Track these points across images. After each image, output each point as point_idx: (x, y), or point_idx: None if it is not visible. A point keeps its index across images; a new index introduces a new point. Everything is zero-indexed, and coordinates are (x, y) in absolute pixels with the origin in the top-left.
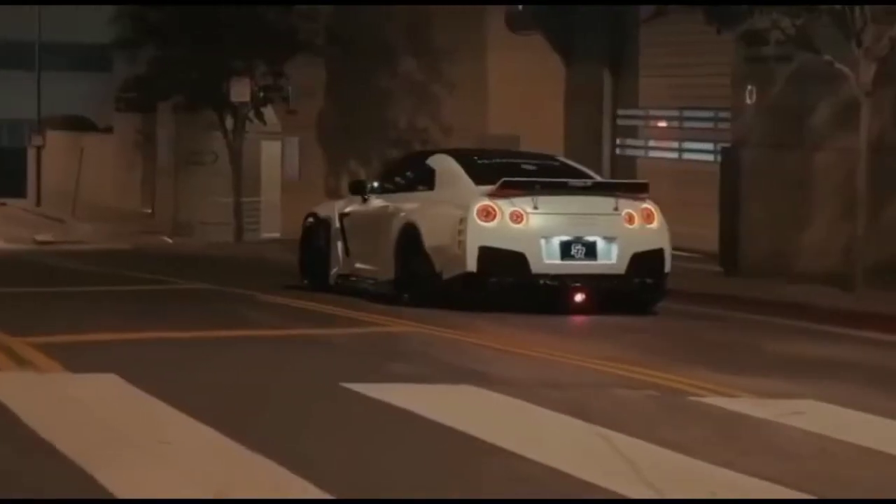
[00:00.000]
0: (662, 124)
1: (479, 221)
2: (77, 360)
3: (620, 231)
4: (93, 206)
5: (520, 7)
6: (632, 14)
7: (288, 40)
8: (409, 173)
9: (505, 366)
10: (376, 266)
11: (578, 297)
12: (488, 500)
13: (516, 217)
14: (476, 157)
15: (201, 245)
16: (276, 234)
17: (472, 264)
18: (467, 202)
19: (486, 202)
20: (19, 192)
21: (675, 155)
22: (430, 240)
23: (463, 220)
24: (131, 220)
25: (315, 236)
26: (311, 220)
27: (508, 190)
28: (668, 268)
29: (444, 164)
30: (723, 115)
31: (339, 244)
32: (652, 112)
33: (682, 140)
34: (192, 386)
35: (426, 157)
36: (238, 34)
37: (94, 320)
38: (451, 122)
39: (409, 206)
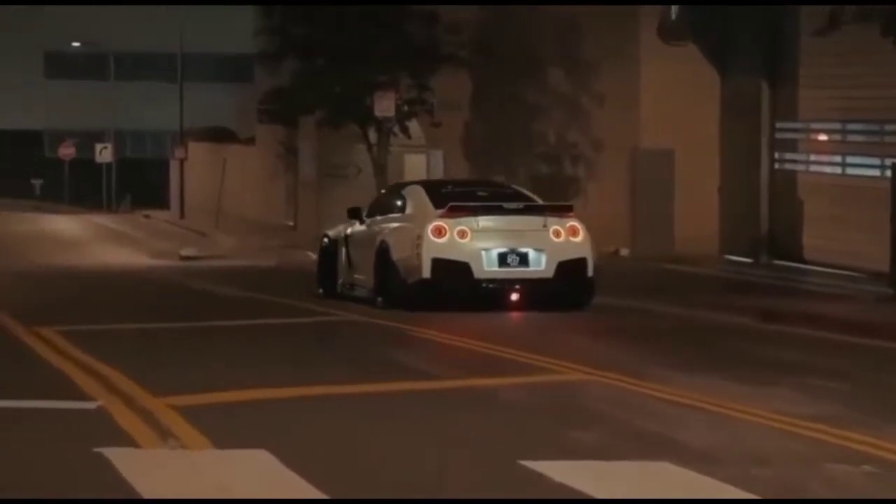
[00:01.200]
0: (824, 138)
1: (432, 238)
2: (223, 428)
3: (548, 243)
4: (236, 218)
5: (673, 16)
6: (791, 23)
7: (433, 53)
8: (390, 201)
9: (695, 430)
10: (365, 276)
11: (514, 297)
12: (488, 499)
13: (462, 234)
14: (441, 187)
15: None
16: None
17: (427, 272)
18: (424, 222)
19: (438, 222)
20: (164, 204)
21: (837, 170)
22: (396, 253)
23: (420, 237)
24: (274, 233)
25: (327, 253)
26: (325, 240)
27: (456, 212)
28: (590, 273)
29: (413, 193)
30: (889, 127)
31: (343, 259)
32: (813, 125)
33: (845, 154)
34: (351, 465)
35: (403, 188)
36: (383, 47)
37: (241, 369)
38: (600, 135)
39: (386, 226)
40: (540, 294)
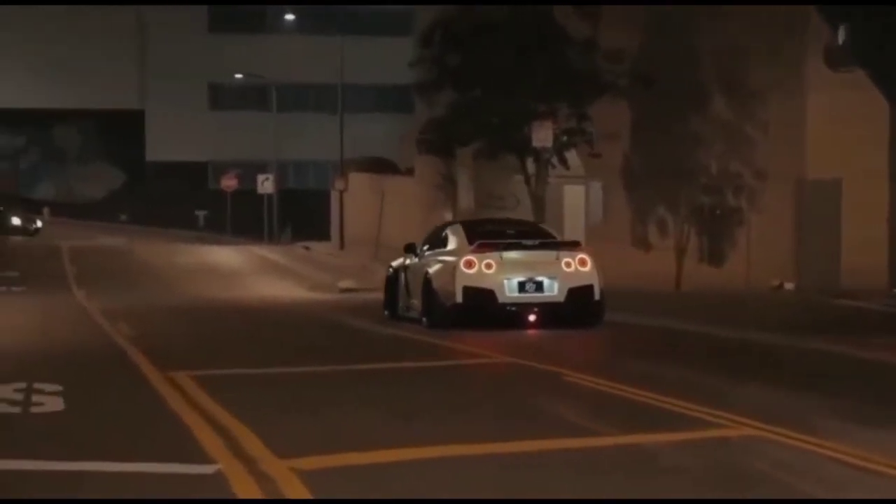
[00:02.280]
0: None
1: (463, 269)
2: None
3: (560, 273)
4: (395, 249)
5: (840, 40)
6: None
7: (592, 82)
8: (437, 237)
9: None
10: (417, 300)
11: (531, 318)
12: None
13: (488, 266)
14: (477, 226)
15: None
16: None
17: (459, 298)
18: (459, 256)
19: (469, 256)
20: (325, 235)
21: None
22: (436, 282)
23: (455, 268)
24: None
25: (391, 282)
26: (390, 270)
27: (483, 248)
28: (597, 297)
29: (453, 231)
30: None
31: (402, 286)
32: None
33: None
34: None
35: (447, 227)
36: (541, 76)
37: (374, 422)
38: (764, 165)
39: (431, 259)
40: (553, 315)
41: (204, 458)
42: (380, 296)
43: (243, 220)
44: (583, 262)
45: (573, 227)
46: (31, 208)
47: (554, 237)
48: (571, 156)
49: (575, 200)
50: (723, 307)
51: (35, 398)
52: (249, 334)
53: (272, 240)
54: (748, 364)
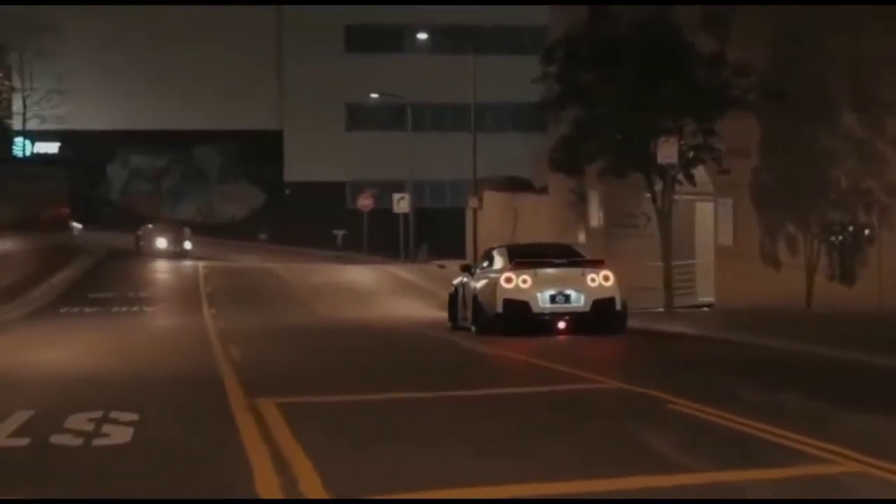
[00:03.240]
0: None
1: (503, 285)
2: None
3: (585, 287)
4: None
5: None
6: None
7: (719, 97)
8: (486, 258)
9: None
10: (469, 313)
11: (561, 325)
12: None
13: (524, 281)
14: (518, 248)
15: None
16: (710, 299)
17: (500, 308)
18: (499, 274)
19: (508, 273)
20: (461, 254)
21: None
22: (482, 296)
23: (496, 284)
24: None
25: (452, 297)
26: (452, 288)
27: (520, 267)
28: (618, 307)
29: (498, 252)
30: None
31: (461, 301)
32: None
33: None
34: None
35: (494, 249)
36: (666, 92)
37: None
38: None
39: (480, 277)
40: (580, 323)
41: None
42: None
43: (379, 238)
44: (606, 278)
45: (705, 243)
46: (177, 229)
47: (582, 256)
48: (700, 173)
49: (706, 218)
50: (850, 328)
51: (105, 428)
52: (361, 356)
53: (407, 258)
54: (870, 392)
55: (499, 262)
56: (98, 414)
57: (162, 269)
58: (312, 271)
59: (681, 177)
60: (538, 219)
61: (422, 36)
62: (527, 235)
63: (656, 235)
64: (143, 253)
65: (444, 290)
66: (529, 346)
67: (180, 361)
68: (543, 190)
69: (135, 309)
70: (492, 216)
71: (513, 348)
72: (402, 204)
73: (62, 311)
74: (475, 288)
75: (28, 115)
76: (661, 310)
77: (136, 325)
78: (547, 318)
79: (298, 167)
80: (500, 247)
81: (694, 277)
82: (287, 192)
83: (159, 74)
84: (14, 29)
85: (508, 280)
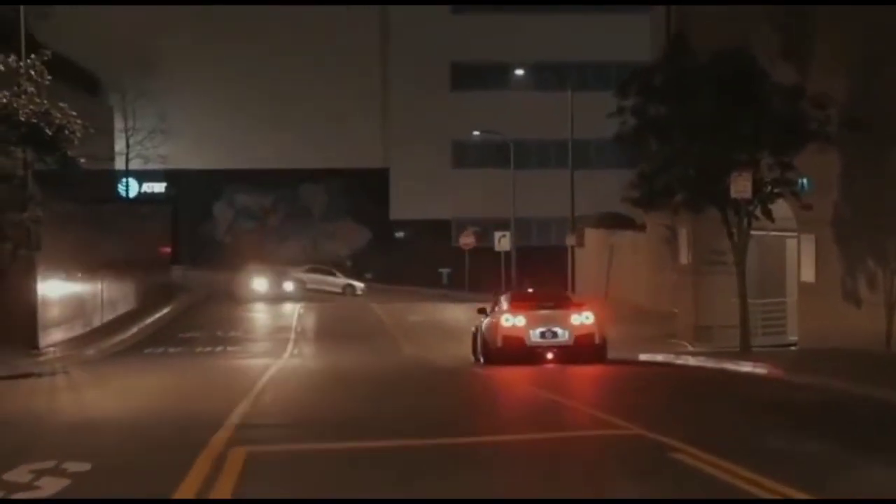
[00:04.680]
0: None
1: (503, 324)
2: None
3: (569, 325)
4: (626, 305)
5: None
6: None
7: (797, 129)
8: (496, 301)
9: None
10: (478, 346)
11: (549, 356)
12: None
13: (519, 321)
14: (519, 294)
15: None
16: (794, 338)
17: (499, 343)
18: (500, 315)
19: (507, 314)
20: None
21: None
22: (487, 333)
23: (497, 324)
24: (659, 321)
25: (474, 336)
26: (473, 328)
27: (517, 309)
28: (597, 341)
29: (504, 297)
30: None
31: (479, 339)
32: None
33: None
34: None
35: (503, 294)
36: (742, 125)
37: None
38: None
39: (489, 317)
40: (565, 355)
41: None
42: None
43: (482, 276)
44: (587, 317)
45: (795, 281)
46: (282, 271)
47: (570, 301)
48: (782, 207)
49: (787, 254)
50: None
51: (42, 481)
52: (385, 399)
53: None
54: None
55: (504, 304)
56: (50, 464)
57: (259, 309)
58: (411, 310)
59: (758, 212)
60: (636, 256)
61: (519, 72)
62: (624, 273)
63: (747, 274)
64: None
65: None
66: (570, 388)
67: (203, 404)
68: (644, 227)
69: (218, 349)
70: (591, 254)
71: (539, 383)
72: (503, 242)
73: (146, 351)
74: (482, 327)
75: (131, 154)
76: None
77: (205, 365)
78: (538, 350)
79: (404, 205)
80: (506, 293)
81: (785, 315)
82: (402, 235)
83: (264, 113)
84: (117, 69)
85: (507, 320)
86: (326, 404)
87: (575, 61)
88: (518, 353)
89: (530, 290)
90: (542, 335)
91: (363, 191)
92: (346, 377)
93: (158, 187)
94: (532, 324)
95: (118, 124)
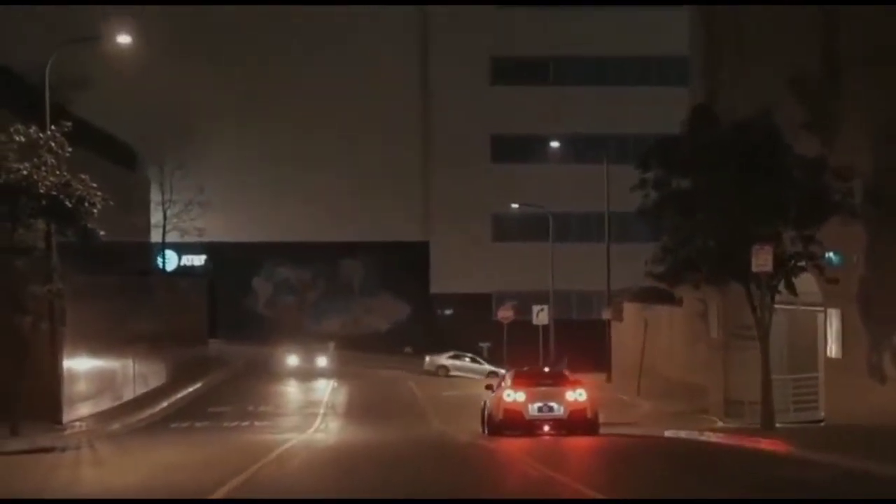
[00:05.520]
0: None
1: (504, 398)
2: None
3: (564, 400)
4: (663, 379)
5: None
6: None
7: (820, 201)
8: (500, 378)
9: None
10: (484, 419)
11: (546, 428)
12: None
13: (519, 396)
14: (522, 372)
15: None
16: (821, 414)
17: (501, 416)
18: (503, 390)
19: (508, 390)
20: (601, 366)
21: None
22: (490, 407)
23: (500, 398)
24: (693, 396)
25: (482, 410)
26: (482, 402)
27: (517, 386)
28: (589, 415)
29: (508, 375)
30: None
31: (486, 412)
32: None
33: None
34: None
35: (507, 372)
36: (764, 198)
37: None
38: None
39: (494, 392)
40: (560, 427)
41: None
42: (629, 430)
43: (522, 350)
44: (580, 394)
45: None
46: (313, 345)
47: (567, 379)
48: (808, 281)
49: (809, 329)
50: None
51: None
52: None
53: None
54: None
55: (507, 381)
56: None
57: (292, 384)
58: (446, 384)
59: (781, 286)
60: (672, 330)
61: (555, 144)
62: (660, 347)
63: (776, 347)
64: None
65: None
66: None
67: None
68: (681, 301)
69: (245, 424)
70: (629, 327)
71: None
72: (541, 316)
73: (172, 425)
74: (487, 402)
75: (168, 227)
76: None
77: (224, 440)
78: (536, 422)
79: (444, 278)
80: (510, 371)
81: (817, 391)
82: (448, 312)
83: (303, 185)
84: (155, 142)
85: (507, 395)
86: (315, 478)
87: (614, 133)
88: (518, 424)
89: (531, 369)
90: (540, 409)
91: (403, 264)
92: (355, 452)
93: (197, 260)
94: (531, 399)
95: (155, 197)
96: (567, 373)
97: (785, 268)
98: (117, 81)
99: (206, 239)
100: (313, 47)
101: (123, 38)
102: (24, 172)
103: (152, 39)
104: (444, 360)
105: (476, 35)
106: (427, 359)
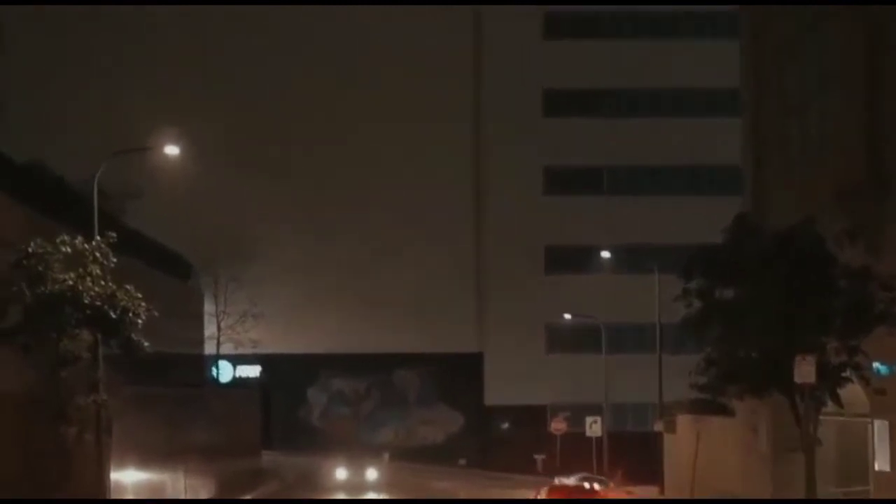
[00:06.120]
0: None
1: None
2: None
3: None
4: (714, 492)
5: None
6: None
7: (865, 312)
8: (537, 491)
9: None
10: None
11: None
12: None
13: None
14: (556, 484)
15: None
16: None
17: None
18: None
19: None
20: (655, 479)
21: None
22: None
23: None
24: None
25: None
26: None
27: (551, 495)
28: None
29: (544, 487)
30: None
31: None
32: None
33: None
34: None
35: (551, 482)
36: (808, 308)
37: None
38: None
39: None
40: None
41: None
42: None
43: (576, 462)
44: (604, 485)
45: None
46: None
47: (597, 491)
48: (856, 391)
49: (858, 441)
50: None
51: None
52: None
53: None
54: None
55: (542, 494)
56: None
57: (341, 496)
58: (496, 497)
59: (826, 397)
60: (724, 442)
61: (605, 254)
62: (714, 459)
63: (828, 461)
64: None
65: None
66: None
67: None
68: (734, 413)
69: None
70: (683, 439)
71: None
72: (594, 427)
73: None
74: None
75: (222, 338)
76: None
77: None
78: None
79: (498, 390)
80: (547, 485)
81: None
82: (505, 426)
83: (357, 297)
84: (210, 253)
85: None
86: None
87: (667, 243)
88: None
89: (565, 482)
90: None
91: (457, 375)
92: None
93: (252, 371)
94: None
95: (209, 307)
96: (599, 487)
97: (829, 379)
98: (171, 191)
99: (260, 351)
100: (368, 159)
101: (171, 149)
102: (70, 283)
103: (204, 149)
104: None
105: (528, 146)
106: (556, 481)
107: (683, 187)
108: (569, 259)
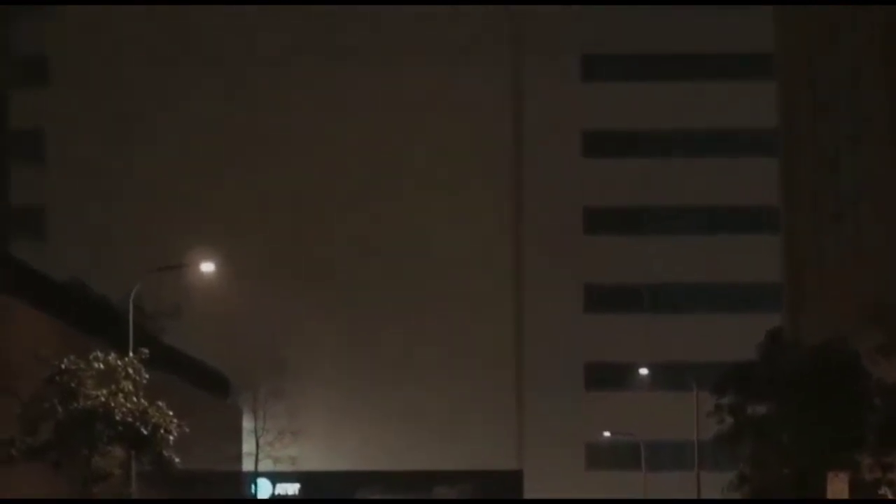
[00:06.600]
0: None
1: None
2: None
3: None
4: None
5: None
6: None
7: None
8: None
9: None
10: None
11: None
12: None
13: None
14: None
15: None
16: None
17: None
18: None
19: None
20: None
21: None
22: None
23: None
24: None
25: None
26: None
27: None
28: None
29: None
30: None
31: None
32: None
33: None
34: None
35: None
36: (842, 425)
37: None
38: None
39: None
40: None
41: None
42: None
43: None
44: None
45: None
46: None
47: None
48: None
49: None
50: None
51: None
52: None
53: None
54: None
55: None
56: None
57: None
58: None
59: None
60: None
61: (644, 371)
62: None
63: None
64: None
65: None
66: None
67: None
68: None
69: None
70: None
71: None
72: None
73: None
74: None
75: (261, 455)
76: None
77: None
78: None
79: None
80: None
81: None
82: None
83: (395, 413)
84: (247, 369)
85: None
86: None
87: (704, 361)
88: None
89: None
90: None
91: (496, 493)
92: None
93: (291, 488)
94: None
95: (247, 424)
96: None
97: (863, 496)
98: (210, 307)
99: (299, 469)
100: (401, 274)
101: (207, 266)
102: (102, 399)
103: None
104: None
105: (569, 258)
106: None
107: (723, 305)
108: (609, 376)
